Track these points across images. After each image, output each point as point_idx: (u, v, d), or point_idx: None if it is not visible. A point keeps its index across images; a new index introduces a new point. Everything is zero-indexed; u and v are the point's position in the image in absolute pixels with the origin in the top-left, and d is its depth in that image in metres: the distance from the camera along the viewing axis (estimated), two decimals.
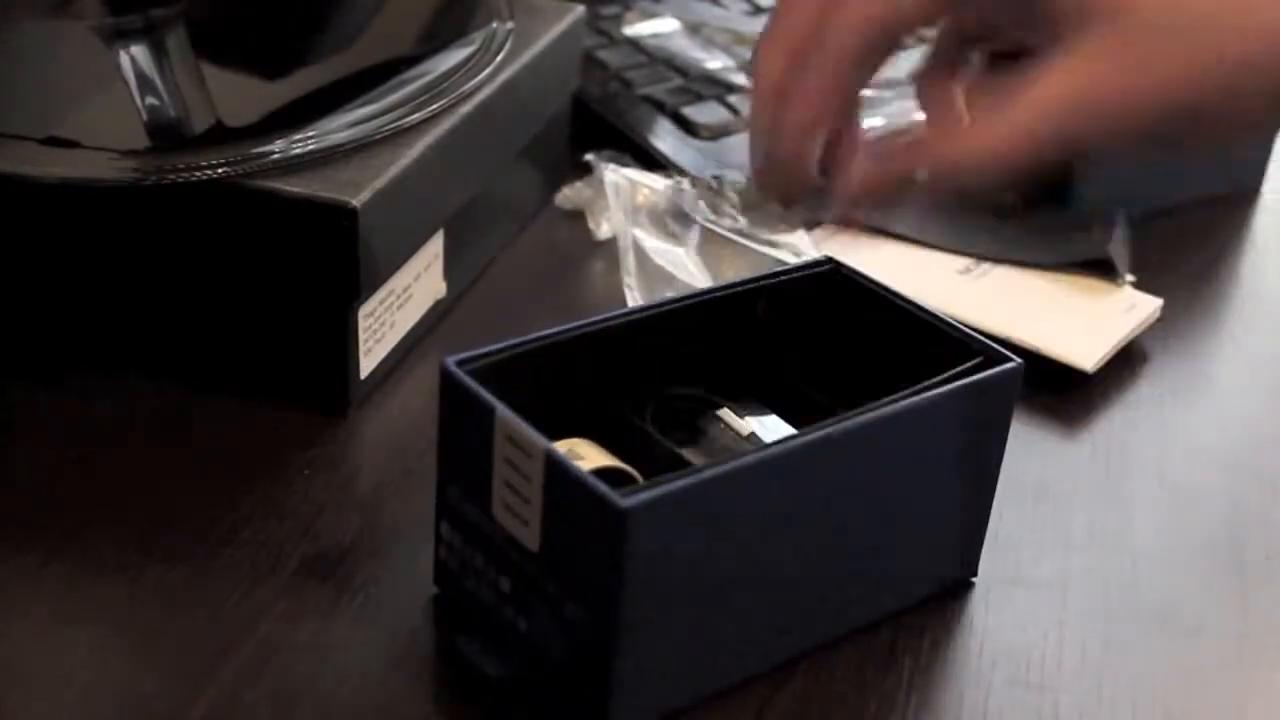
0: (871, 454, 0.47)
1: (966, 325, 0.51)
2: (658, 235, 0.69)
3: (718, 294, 0.52)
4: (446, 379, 0.46)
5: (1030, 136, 0.44)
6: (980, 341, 0.50)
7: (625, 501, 0.41)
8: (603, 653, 0.43)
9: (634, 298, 0.66)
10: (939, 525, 0.51)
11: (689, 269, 0.67)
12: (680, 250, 0.69)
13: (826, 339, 0.54)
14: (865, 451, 0.47)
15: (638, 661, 0.44)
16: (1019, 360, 0.49)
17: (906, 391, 0.47)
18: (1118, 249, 0.71)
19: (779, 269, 0.54)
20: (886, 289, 0.53)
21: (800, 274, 0.54)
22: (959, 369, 0.49)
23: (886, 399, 0.47)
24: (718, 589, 0.45)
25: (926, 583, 0.52)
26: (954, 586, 0.53)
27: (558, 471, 0.43)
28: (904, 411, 0.47)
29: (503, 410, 0.44)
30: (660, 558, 0.43)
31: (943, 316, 0.51)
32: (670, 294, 0.55)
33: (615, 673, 0.44)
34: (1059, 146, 0.44)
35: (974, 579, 0.53)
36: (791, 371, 0.54)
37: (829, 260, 0.54)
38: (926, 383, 0.48)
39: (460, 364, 0.46)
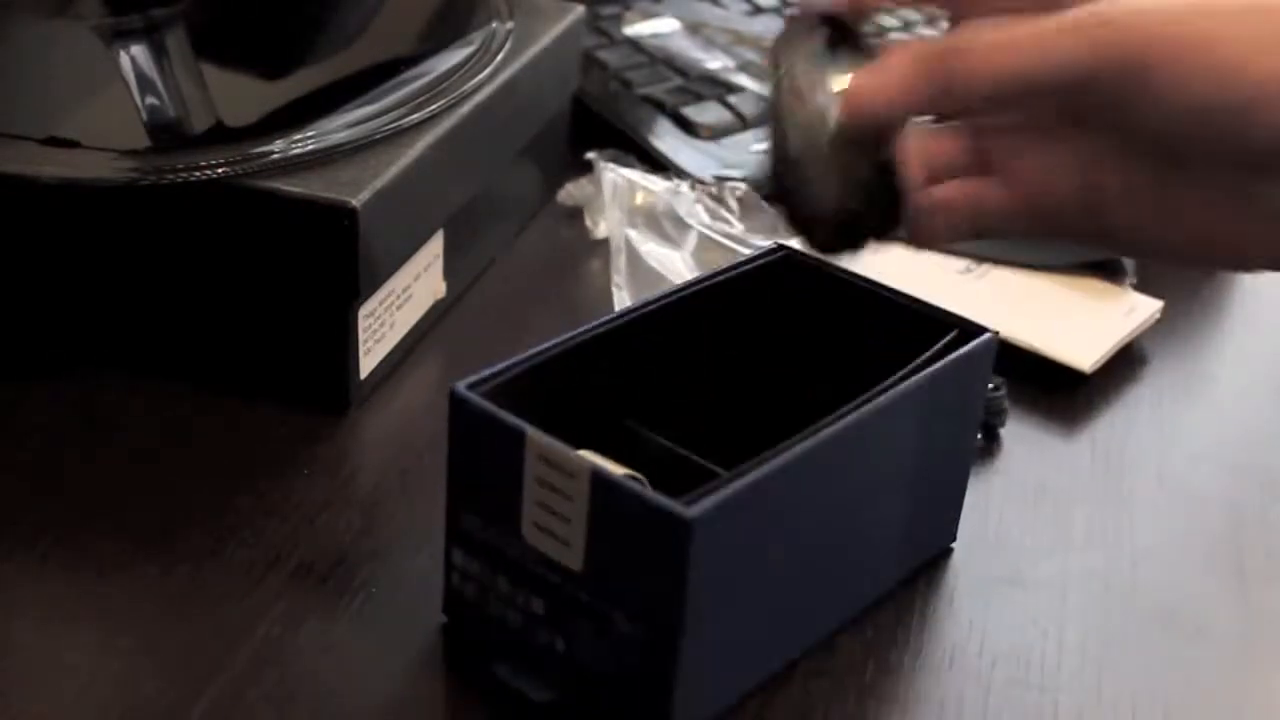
0: (889, 431, 0.48)
1: None
2: (654, 237, 0.69)
3: (672, 298, 0.52)
4: (460, 405, 0.46)
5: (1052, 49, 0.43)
6: (953, 315, 0.52)
7: (690, 511, 0.41)
8: (664, 663, 0.43)
9: (621, 299, 0.66)
10: (930, 493, 0.52)
11: (682, 272, 0.67)
12: (676, 254, 0.69)
13: (789, 326, 0.55)
14: (885, 429, 0.48)
15: (697, 667, 0.44)
16: (995, 330, 0.51)
17: (912, 367, 0.48)
18: None
19: (732, 263, 0.54)
20: (843, 270, 0.54)
21: (755, 264, 0.54)
22: (946, 341, 0.50)
23: (897, 377, 0.48)
24: (767, 583, 0.46)
25: (919, 549, 0.53)
26: (940, 553, 0.54)
27: (607, 489, 0.43)
28: (916, 387, 0.48)
29: (534, 432, 0.44)
30: (720, 562, 0.43)
31: (906, 293, 0.53)
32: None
33: (678, 680, 0.43)
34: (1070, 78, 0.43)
35: (953, 544, 0.55)
36: (759, 358, 0.55)
37: (780, 248, 0.55)
38: (923, 358, 0.49)
39: (471, 387, 0.46)
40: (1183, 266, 0.48)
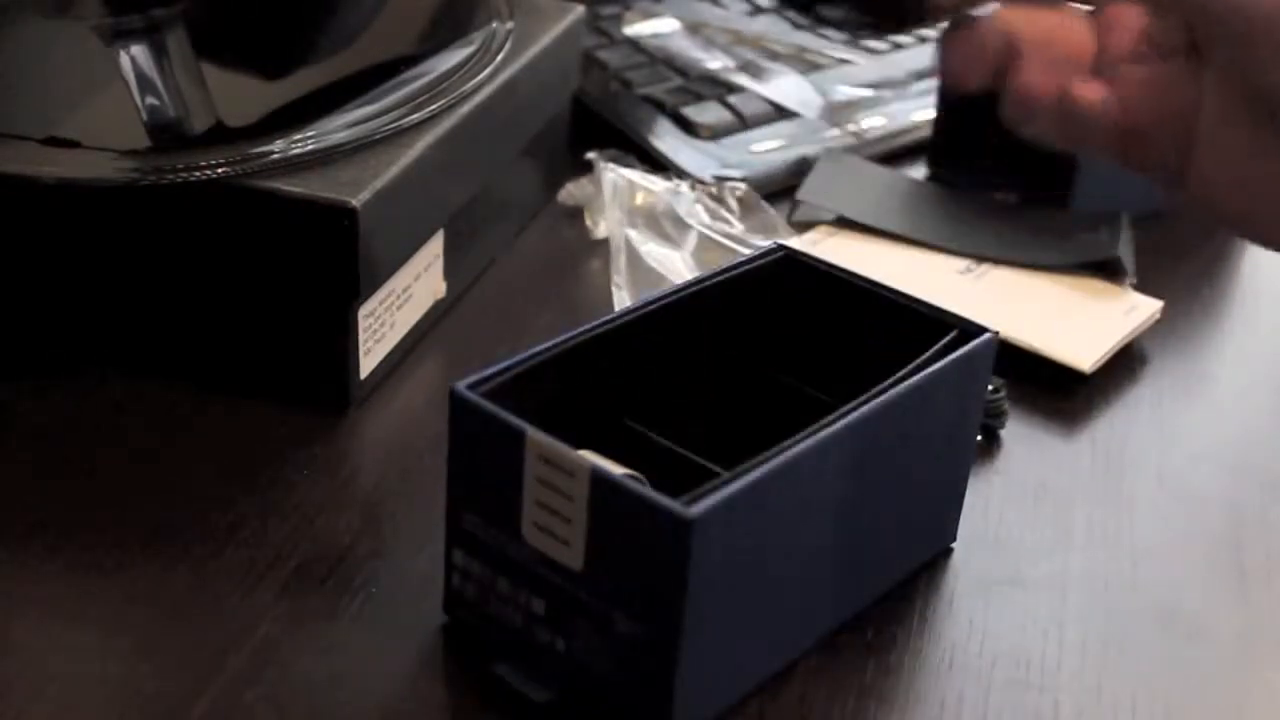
0: (889, 431, 0.48)
1: None
2: (654, 237, 0.69)
3: (672, 298, 0.52)
4: (460, 404, 0.46)
5: None
6: (953, 315, 0.52)
7: (691, 511, 0.41)
8: (664, 663, 0.43)
9: (621, 299, 0.66)
10: (930, 493, 0.52)
11: (682, 272, 0.67)
12: (675, 254, 0.69)
13: (789, 326, 0.55)
14: (885, 429, 0.48)
15: (697, 667, 0.44)
16: (995, 330, 0.51)
17: (912, 367, 0.48)
18: (1125, 249, 0.71)
19: (732, 263, 0.54)
20: (843, 270, 0.54)
21: (755, 264, 0.54)
22: (946, 341, 0.50)
23: (897, 377, 0.48)
24: (767, 583, 0.46)
25: (919, 549, 0.53)
26: (940, 553, 0.54)
27: (607, 488, 0.43)
28: (916, 387, 0.48)
29: (534, 432, 0.44)
30: (720, 562, 0.43)
31: (906, 293, 0.53)
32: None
33: (678, 680, 0.43)
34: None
35: (953, 544, 0.55)
36: (759, 358, 0.55)
37: (780, 248, 0.55)
38: (923, 358, 0.49)
39: (471, 387, 0.46)
40: (1234, 230, 0.48)
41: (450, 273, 0.65)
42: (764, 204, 0.73)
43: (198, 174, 0.54)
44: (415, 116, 0.60)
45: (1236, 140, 0.45)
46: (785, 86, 0.85)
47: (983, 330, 0.51)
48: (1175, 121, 0.46)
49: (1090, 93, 0.46)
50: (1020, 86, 0.47)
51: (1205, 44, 0.45)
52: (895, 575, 0.52)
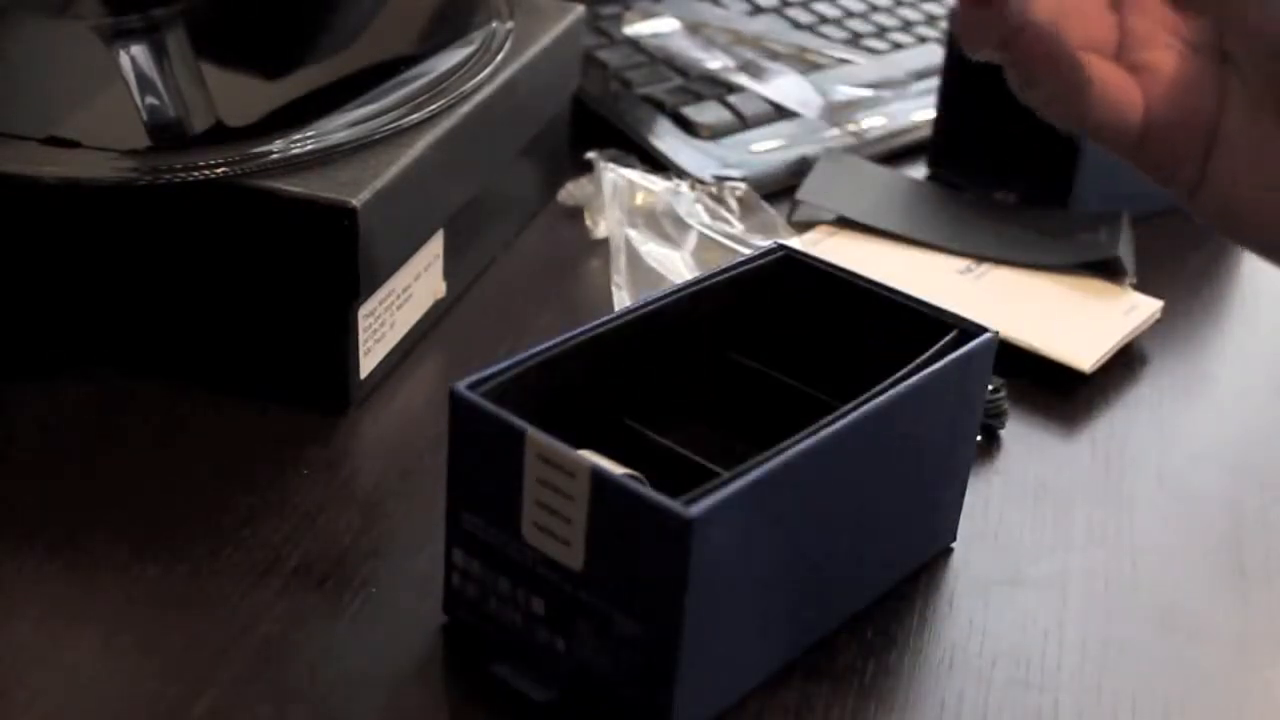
0: (889, 431, 0.48)
1: None
2: (654, 237, 0.69)
3: (671, 298, 0.52)
4: (460, 404, 0.46)
5: None
6: (953, 315, 0.52)
7: (691, 511, 0.41)
8: (664, 663, 0.43)
9: (621, 299, 0.66)
10: (930, 493, 0.52)
11: (682, 272, 0.67)
12: (675, 254, 0.69)
13: (789, 326, 0.55)
14: (885, 429, 0.48)
15: (697, 666, 0.44)
16: (995, 330, 0.51)
17: (912, 367, 0.48)
18: (1125, 249, 0.71)
19: (732, 262, 0.54)
20: (843, 270, 0.54)
21: (755, 264, 0.54)
22: (946, 341, 0.50)
23: (897, 377, 0.48)
24: (767, 584, 0.46)
25: (919, 549, 0.53)
26: (940, 553, 0.54)
27: (607, 488, 0.43)
28: (916, 387, 0.48)
29: (534, 432, 0.44)
30: (720, 561, 0.43)
31: (906, 293, 0.53)
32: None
33: (678, 680, 0.43)
34: None
35: (953, 544, 0.55)
36: (759, 358, 0.55)
37: (780, 248, 0.55)
38: (923, 358, 0.49)
39: (471, 387, 0.46)
40: (1245, 243, 0.45)
41: (450, 273, 0.65)
42: (764, 204, 0.73)
43: (197, 174, 0.54)
44: (415, 116, 0.60)
45: (1263, 148, 0.42)
46: (785, 86, 0.85)
47: (983, 330, 0.51)
48: (1196, 121, 0.43)
49: (1105, 69, 0.43)
50: (1027, 44, 0.42)
51: (1237, 52, 0.42)
52: (895, 575, 0.52)
